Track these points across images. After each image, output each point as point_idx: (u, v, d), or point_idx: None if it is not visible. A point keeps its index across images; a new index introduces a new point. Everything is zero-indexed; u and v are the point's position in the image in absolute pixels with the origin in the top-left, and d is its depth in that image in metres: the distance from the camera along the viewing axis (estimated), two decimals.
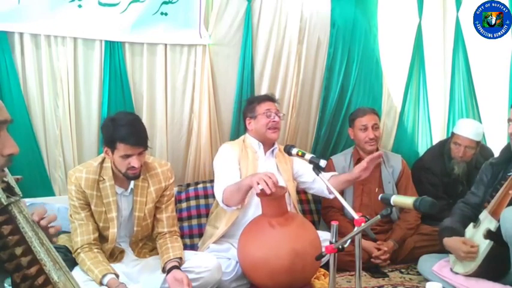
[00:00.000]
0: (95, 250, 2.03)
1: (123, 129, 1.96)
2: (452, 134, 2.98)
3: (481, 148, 2.99)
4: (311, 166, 2.44)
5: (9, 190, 1.06)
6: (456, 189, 2.94)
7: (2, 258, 0.99)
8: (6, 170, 1.06)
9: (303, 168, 2.48)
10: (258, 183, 1.99)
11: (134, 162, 1.99)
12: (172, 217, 2.24)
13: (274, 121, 2.42)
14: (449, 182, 2.95)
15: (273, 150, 2.49)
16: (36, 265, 1.02)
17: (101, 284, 1.91)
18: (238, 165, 2.37)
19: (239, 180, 2.22)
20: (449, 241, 2.20)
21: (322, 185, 2.38)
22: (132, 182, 2.14)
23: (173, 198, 2.31)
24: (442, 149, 3.02)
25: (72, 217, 2.08)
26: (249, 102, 2.57)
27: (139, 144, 2.00)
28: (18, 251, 1.01)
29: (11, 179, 1.09)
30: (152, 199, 2.17)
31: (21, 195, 1.08)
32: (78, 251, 2.02)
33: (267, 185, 1.96)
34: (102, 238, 2.13)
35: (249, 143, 2.48)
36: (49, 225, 1.16)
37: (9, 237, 1.01)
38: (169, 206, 2.24)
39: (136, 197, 2.14)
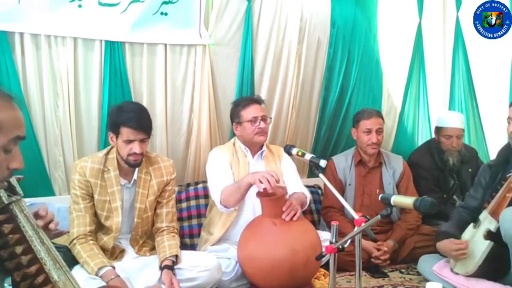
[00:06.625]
0: (91, 242, 2.04)
1: (127, 114, 2.02)
2: (439, 128, 3.03)
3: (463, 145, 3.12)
4: (292, 169, 2.45)
5: (10, 189, 1.07)
6: (448, 183, 3.02)
7: (2, 257, 0.99)
8: None
9: (286, 170, 2.46)
10: (261, 182, 1.98)
11: (136, 148, 2.01)
12: (172, 213, 2.26)
13: (260, 128, 2.36)
14: (439, 175, 3.01)
15: (261, 153, 2.46)
16: (36, 264, 1.02)
17: (96, 276, 1.92)
18: (231, 169, 2.36)
19: (239, 179, 2.22)
20: (440, 244, 2.23)
21: (291, 189, 2.35)
22: (136, 174, 2.15)
23: (174, 195, 2.33)
24: (428, 146, 3.10)
25: (71, 208, 2.09)
26: (234, 104, 2.48)
27: (141, 129, 2.03)
28: (19, 249, 1.01)
29: (12, 178, 1.09)
30: (154, 192, 2.19)
31: (22, 195, 1.09)
32: (74, 242, 2.03)
33: (269, 183, 1.96)
34: (105, 229, 2.14)
35: (238, 147, 2.45)
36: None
37: (9, 236, 1.01)
38: (170, 202, 2.26)
39: (138, 188, 2.16)
